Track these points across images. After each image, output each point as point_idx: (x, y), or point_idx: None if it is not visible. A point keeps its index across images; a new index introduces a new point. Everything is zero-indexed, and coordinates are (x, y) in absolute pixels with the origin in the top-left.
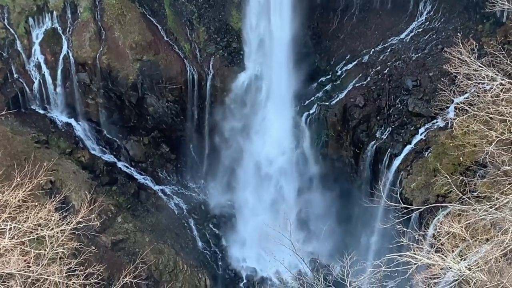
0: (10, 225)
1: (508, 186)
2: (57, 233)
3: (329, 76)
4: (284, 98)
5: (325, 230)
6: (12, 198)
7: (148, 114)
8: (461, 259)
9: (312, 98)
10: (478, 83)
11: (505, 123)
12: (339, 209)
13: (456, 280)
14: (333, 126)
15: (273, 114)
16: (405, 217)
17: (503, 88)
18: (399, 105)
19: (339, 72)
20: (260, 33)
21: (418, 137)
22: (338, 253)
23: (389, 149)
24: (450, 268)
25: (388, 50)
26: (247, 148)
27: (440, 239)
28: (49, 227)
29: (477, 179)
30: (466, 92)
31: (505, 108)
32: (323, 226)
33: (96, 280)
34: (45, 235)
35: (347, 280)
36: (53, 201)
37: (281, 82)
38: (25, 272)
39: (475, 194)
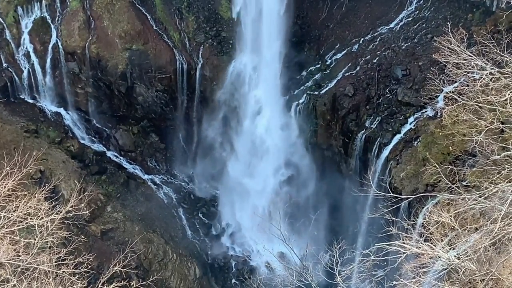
0: (0, 214)
1: (497, 175)
2: (47, 222)
3: (319, 65)
4: (274, 88)
5: (314, 219)
6: (2, 187)
7: (138, 103)
8: (450, 248)
9: (302, 87)
10: (468, 72)
11: (495, 112)
12: (328, 198)
13: (445, 269)
14: (323, 116)
15: (263, 103)
16: (394, 207)
17: (493, 77)
18: (389, 95)
19: (329, 61)
20: (250, 22)
21: (407, 127)
22: (327, 242)
23: (378, 138)
24: (439, 257)
25: (378, 39)
26: (236, 138)
27: (429, 229)
28: (39, 216)
29: (467, 168)
30: (456, 82)
31: (494, 97)
32: (312, 215)
33: (86, 269)
34: (35, 224)
35: (336, 269)
36: (42, 190)
37: (271, 72)
38: (15, 261)
39: (464, 183)
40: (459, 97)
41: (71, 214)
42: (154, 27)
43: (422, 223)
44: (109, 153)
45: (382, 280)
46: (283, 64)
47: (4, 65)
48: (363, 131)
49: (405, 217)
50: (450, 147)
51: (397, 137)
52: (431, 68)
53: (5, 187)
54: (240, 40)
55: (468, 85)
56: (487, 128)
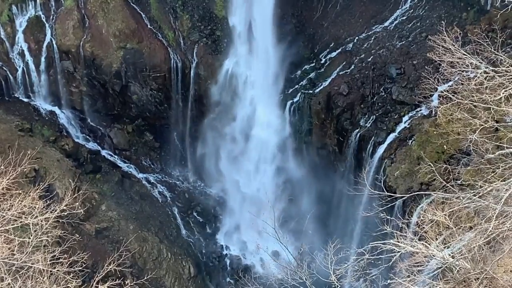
0: None
1: (492, 174)
2: (41, 221)
3: (313, 64)
4: (268, 86)
5: (309, 218)
6: None
7: (132, 102)
8: (444, 247)
9: (296, 86)
10: (462, 71)
11: (489, 111)
12: (323, 197)
13: (440, 268)
14: (317, 114)
15: (257, 102)
16: (389, 205)
17: (487, 76)
18: (383, 93)
19: (323, 60)
20: (244, 21)
21: (402, 125)
22: (321, 241)
23: (373, 137)
24: (434, 256)
25: (372, 38)
26: (231, 136)
27: (423, 227)
28: (33, 215)
29: (461, 167)
30: (450, 80)
31: (489, 96)
32: (307, 214)
33: (80, 268)
34: (29, 223)
35: (331, 268)
36: (37, 189)
37: (265, 70)
38: (9, 260)
39: (458, 182)
40: (453, 95)
41: (65, 213)
42: (149, 26)
43: (417, 221)
44: (103, 152)
45: (376, 279)
46: (278, 63)
47: None
48: (357, 130)
49: (399, 215)
50: (445, 146)
51: (392, 135)
52: (426, 67)
53: None
54: (235, 39)
55: (462, 84)
56: (482, 126)
